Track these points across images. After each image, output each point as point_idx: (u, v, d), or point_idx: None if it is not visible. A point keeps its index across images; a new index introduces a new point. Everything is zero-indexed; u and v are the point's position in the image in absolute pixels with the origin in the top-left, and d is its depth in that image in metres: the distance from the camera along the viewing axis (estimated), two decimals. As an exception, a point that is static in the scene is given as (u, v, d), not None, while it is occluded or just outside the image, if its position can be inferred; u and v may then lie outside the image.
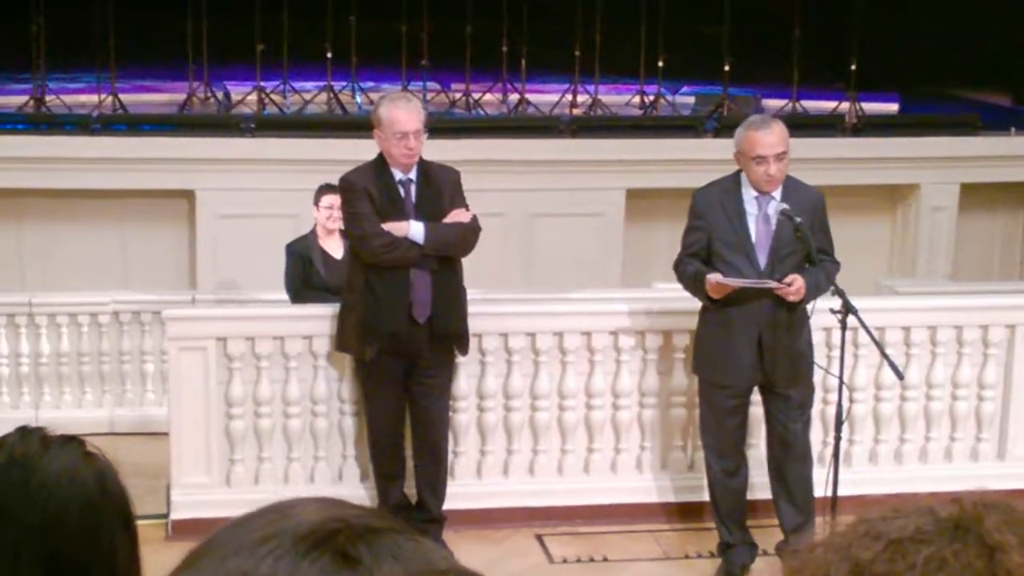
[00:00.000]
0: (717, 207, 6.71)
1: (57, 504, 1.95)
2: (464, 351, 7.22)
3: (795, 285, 6.49)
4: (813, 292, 6.60)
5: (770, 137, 6.58)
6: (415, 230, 6.80)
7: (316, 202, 8.10)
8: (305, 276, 7.98)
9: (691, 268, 6.72)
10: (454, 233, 6.91)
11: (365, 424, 7.34)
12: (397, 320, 6.86)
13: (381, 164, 6.95)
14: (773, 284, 6.53)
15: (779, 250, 6.60)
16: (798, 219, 6.46)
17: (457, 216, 6.89)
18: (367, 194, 6.86)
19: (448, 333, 7.04)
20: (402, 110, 6.88)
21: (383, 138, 6.88)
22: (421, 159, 6.96)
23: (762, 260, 6.62)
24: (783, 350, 6.68)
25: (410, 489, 7.31)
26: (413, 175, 6.93)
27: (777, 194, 6.64)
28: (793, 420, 6.85)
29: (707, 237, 6.72)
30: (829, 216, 6.86)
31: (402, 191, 6.91)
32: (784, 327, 6.65)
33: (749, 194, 6.66)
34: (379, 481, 7.31)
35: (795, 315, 6.67)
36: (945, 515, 1.36)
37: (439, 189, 6.96)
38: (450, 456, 7.44)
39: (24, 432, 2.04)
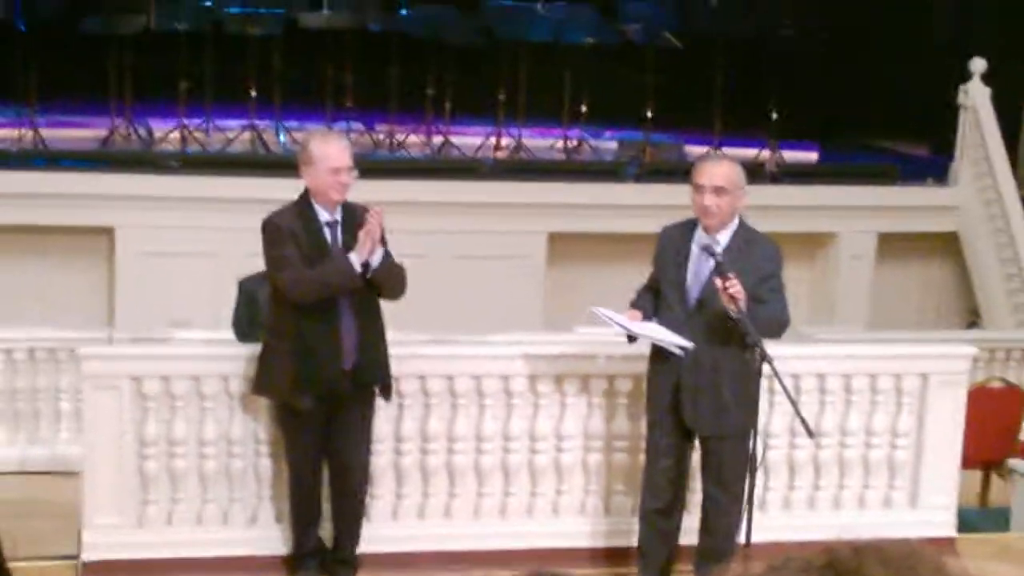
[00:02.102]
0: (670, 243, 6.78)
1: None
2: (387, 397, 7.15)
3: (736, 285, 6.31)
4: (753, 320, 6.36)
5: (712, 168, 6.67)
6: (376, 255, 6.72)
7: None
8: (251, 314, 7.88)
9: (634, 301, 6.85)
10: (399, 271, 6.89)
11: (283, 466, 7.27)
12: (332, 369, 6.79)
13: (305, 205, 6.83)
14: (676, 346, 6.55)
15: (710, 292, 6.54)
16: (719, 256, 6.46)
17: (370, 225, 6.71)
18: (292, 236, 6.76)
19: (372, 380, 6.98)
20: (334, 145, 6.83)
21: (313, 174, 6.76)
22: (344, 201, 6.90)
23: (692, 300, 6.65)
24: (702, 393, 6.68)
25: (324, 531, 7.27)
26: (338, 215, 6.83)
27: (723, 236, 6.63)
28: (713, 487, 6.85)
29: (659, 272, 6.83)
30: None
31: (328, 233, 6.81)
32: (709, 370, 6.63)
33: (699, 234, 6.70)
34: (297, 527, 7.22)
35: (724, 361, 6.62)
36: (823, 566, 1.39)
37: (357, 231, 6.83)
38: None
39: None
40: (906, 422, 7.95)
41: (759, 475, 6.80)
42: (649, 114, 12.39)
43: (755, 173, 12.15)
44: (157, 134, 12.39)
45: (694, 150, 12.87)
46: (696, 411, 6.70)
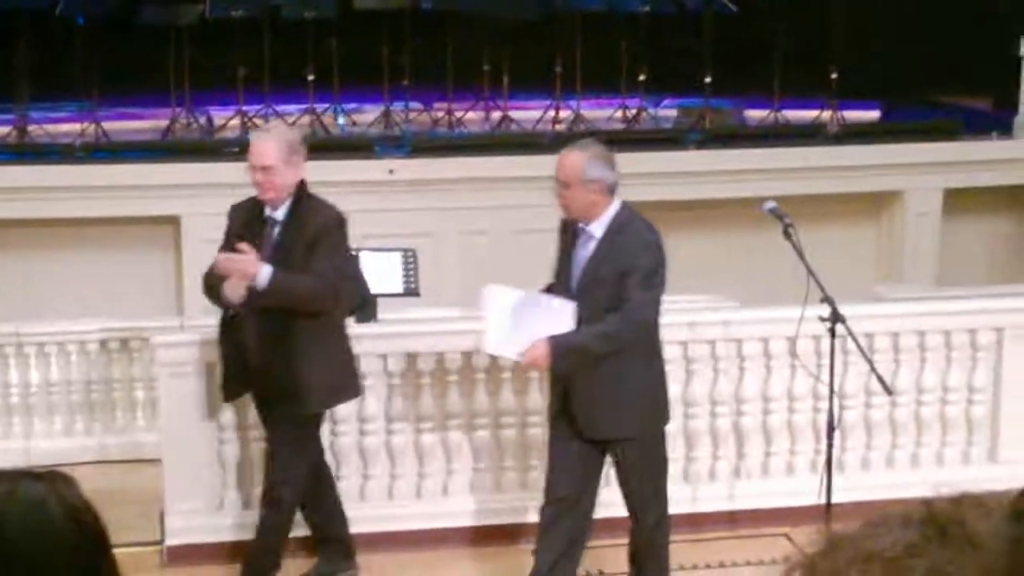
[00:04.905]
0: (568, 231, 6.41)
1: (19, 536, 1.91)
2: (298, 410, 6.57)
3: (528, 356, 6.13)
4: (572, 357, 6.11)
5: (558, 161, 6.32)
6: (263, 273, 6.27)
7: None
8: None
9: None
10: (304, 288, 6.33)
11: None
12: (231, 365, 6.70)
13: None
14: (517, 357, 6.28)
15: (588, 281, 6.19)
16: (788, 219, 6.50)
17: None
18: (231, 229, 6.58)
19: (273, 385, 6.55)
20: (253, 141, 6.56)
21: None
22: (307, 196, 6.47)
23: (574, 286, 6.27)
24: (586, 395, 6.22)
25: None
26: (280, 214, 6.45)
27: (598, 228, 6.21)
28: (624, 482, 6.40)
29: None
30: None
31: (271, 229, 6.47)
32: (602, 370, 6.15)
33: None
34: None
35: (617, 358, 6.12)
36: (924, 520, 1.37)
37: (300, 234, 6.40)
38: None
39: None
40: (982, 377, 7.90)
41: (836, 436, 6.80)
42: (708, 80, 12.31)
43: (816, 134, 12.10)
44: (217, 122, 12.45)
45: (754, 114, 12.79)
46: (580, 413, 6.23)
